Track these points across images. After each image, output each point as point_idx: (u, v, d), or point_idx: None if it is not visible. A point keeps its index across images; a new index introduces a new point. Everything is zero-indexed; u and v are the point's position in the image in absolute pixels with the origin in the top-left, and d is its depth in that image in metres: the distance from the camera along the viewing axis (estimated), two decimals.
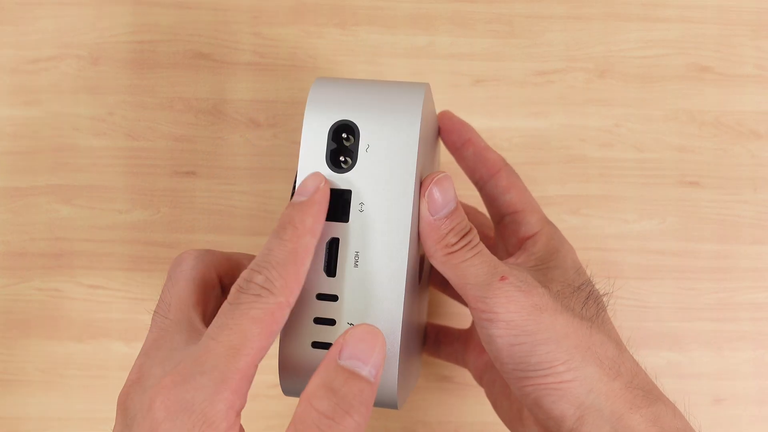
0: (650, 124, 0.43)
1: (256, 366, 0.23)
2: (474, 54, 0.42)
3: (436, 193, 0.27)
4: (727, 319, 0.42)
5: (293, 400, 0.41)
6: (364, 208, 0.26)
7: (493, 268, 0.27)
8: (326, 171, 0.26)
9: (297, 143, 0.42)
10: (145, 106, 0.42)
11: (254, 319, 0.23)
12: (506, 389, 0.33)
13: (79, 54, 0.42)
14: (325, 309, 0.26)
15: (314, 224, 0.25)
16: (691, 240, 0.42)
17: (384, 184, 0.26)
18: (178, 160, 0.42)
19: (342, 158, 0.26)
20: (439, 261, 0.27)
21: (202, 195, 0.42)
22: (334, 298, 0.26)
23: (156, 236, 0.41)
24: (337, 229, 0.26)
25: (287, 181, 0.42)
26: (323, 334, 0.26)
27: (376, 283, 0.26)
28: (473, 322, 0.34)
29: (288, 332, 0.26)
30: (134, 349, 0.41)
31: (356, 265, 0.26)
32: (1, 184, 0.41)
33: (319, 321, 0.26)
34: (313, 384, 0.22)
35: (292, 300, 0.24)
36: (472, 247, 0.27)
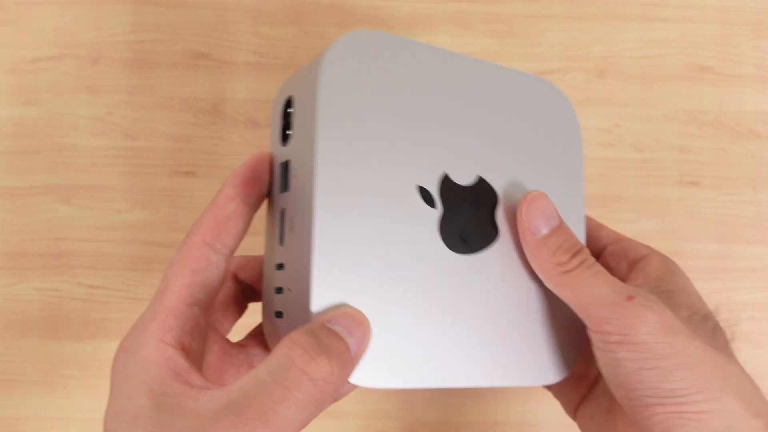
0: (650, 124, 0.43)
1: (189, 304, 0.24)
2: (473, 54, 0.42)
3: (531, 211, 0.27)
4: (727, 319, 0.42)
5: None
6: (296, 173, 0.26)
7: (617, 288, 0.25)
8: (279, 148, 0.27)
9: None
10: (145, 106, 0.42)
11: (174, 262, 0.25)
12: (609, 422, 0.29)
13: (78, 54, 0.42)
14: (278, 278, 0.26)
15: (235, 180, 0.26)
16: (691, 240, 0.42)
17: (303, 146, 0.25)
18: (178, 160, 0.42)
19: (287, 132, 0.27)
20: (555, 283, 0.26)
21: (202, 195, 0.42)
22: (281, 266, 0.26)
23: (155, 236, 0.41)
24: (284, 199, 0.26)
25: None
26: (278, 302, 0.26)
27: (303, 246, 0.25)
28: None
29: (263, 306, 0.27)
30: None
31: (292, 231, 0.25)
32: (1, 183, 0.41)
33: (276, 290, 0.26)
34: (298, 330, 0.22)
35: (207, 238, 0.25)
36: (590, 266, 0.26)
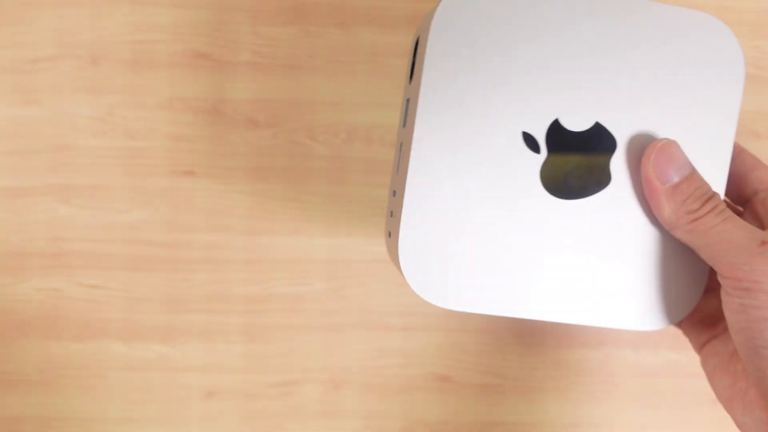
0: None
1: None
2: None
3: (661, 159, 0.27)
4: None
5: (292, 400, 0.41)
6: (411, 110, 0.27)
7: (750, 233, 0.25)
8: (406, 86, 0.29)
9: (296, 143, 0.42)
10: (144, 106, 0.42)
11: None
12: (731, 365, 0.29)
13: (78, 54, 0.42)
14: (391, 202, 0.29)
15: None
16: None
17: (416, 84, 0.27)
18: (177, 160, 0.42)
19: (412, 71, 0.29)
20: (684, 230, 0.26)
21: (202, 195, 0.42)
22: (394, 193, 0.29)
23: (155, 236, 0.41)
24: (402, 133, 0.29)
25: (286, 181, 0.42)
26: (389, 224, 0.29)
27: (403, 177, 0.27)
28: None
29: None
30: (133, 349, 0.41)
31: (403, 162, 0.28)
32: (0, 183, 0.41)
33: (390, 214, 0.29)
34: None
35: None
36: (720, 212, 0.26)
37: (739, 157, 0.30)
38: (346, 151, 0.42)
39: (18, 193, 0.41)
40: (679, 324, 0.32)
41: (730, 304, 0.26)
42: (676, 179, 0.26)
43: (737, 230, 0.25)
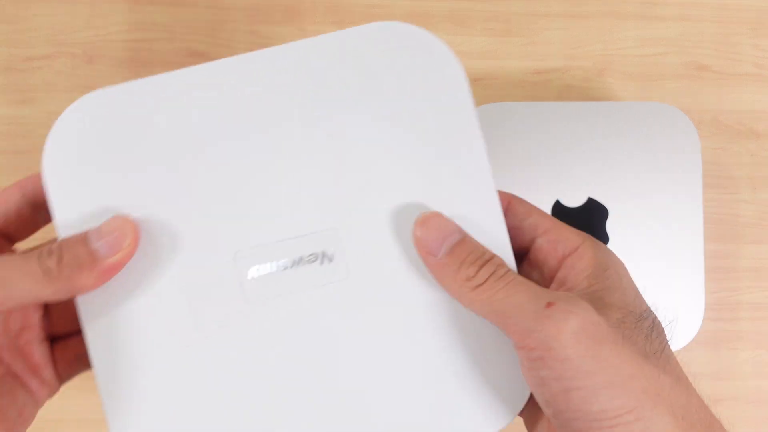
0: None
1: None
2: (472, 52, 0.42)
3: (425, 233, 0.25)
4: (727, 319, 0.42)
5: None
6: None
7: (535, 295, 0.23)
8: None
9: None
10: None
11: None
12: None
13: (73, 52, 0.41)
14: None
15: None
16: None
17: None
18: None
19: None
20: (468, 301, 0.24)
21: None
22: None
23: None
24: None
25: None
26: None
27: None
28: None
29: None
30: None
31: None
32: None
33: None
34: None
35: None
36: (501, 276, 0.24)
37: (509, 209, 0.27)
38: None
39: None
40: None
41: (530, 378, 0.23)
42: (445, 249, 0.24)
43: (521, 293, 0.23)
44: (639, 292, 0.25)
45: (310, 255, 0.24)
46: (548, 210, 0.35)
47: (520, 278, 0.24)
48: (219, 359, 0.24)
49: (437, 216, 0.25)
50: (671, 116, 0.38)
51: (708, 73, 0.43)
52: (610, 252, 0.26)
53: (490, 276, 0.24)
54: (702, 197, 0.37)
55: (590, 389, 0.22)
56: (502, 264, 0.24)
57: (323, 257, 0.24)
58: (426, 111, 0.25)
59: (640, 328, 0.24)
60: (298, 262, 0.24)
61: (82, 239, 0.23)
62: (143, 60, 0.41)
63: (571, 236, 0.26)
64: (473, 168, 0.25)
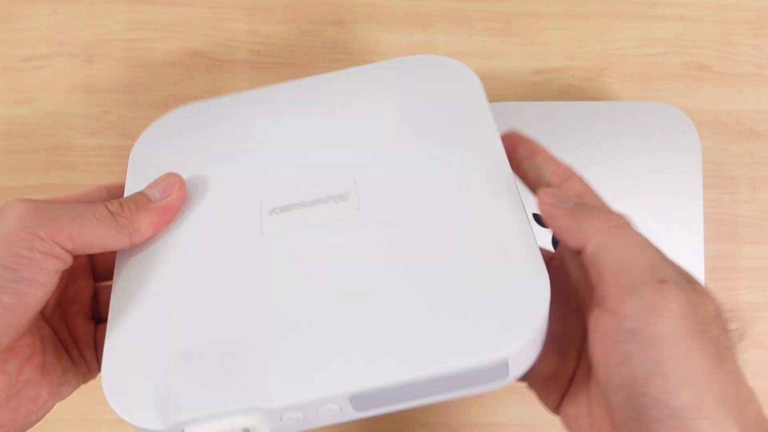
0: None
1: None
2: (471, 52, 0.42)
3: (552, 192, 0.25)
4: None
5: None
6: None
7: (653, 263, 0.22)
8: None
9: None
10: (140, 105, 0.41)
11: None
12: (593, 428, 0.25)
13: (73, 52, 0.41)
14: None
15: None
16: None
17: None
18: None
19: None
20: (584, 237, 0.23)
21: None
22: None
23: None
24: None
25: None
26: None
27: None
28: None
29: None
30: None
31: None
32: None
33: None
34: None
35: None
36: (634, 231, 0.23)
37: (565, 185, 0.26)
38: None
39: (12, 193, 0.41)
40: (529, 385, 0.27)
41: (612, 349, 0.22)
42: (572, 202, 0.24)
43: (641, 255, 0.22)
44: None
45: (325, 196, 0.26)
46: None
47: (647, 240, 0.23)
48: (230, 279, 0.25)
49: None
50: (671, 116, 0.38)
51: (708, 73, 0.43)
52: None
53: (622, 224, 0.23)
54: (702, 197, 0.37)
55: (674, 380, 0.21)
56: (630, 220, 0.23)
57: (337, 198, 0.26)
58: (447, 113, 0.28)
59: (725, 329, 0.22)
60: (315, 202, 0.26)
61: (140, 191, 0.27)
62: (143, 59, 0.41)
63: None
64: (490, 155, 0.26)
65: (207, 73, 0.42)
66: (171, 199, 0.27)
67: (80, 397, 0.40)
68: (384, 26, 0.42)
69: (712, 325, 0.22)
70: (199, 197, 0.28)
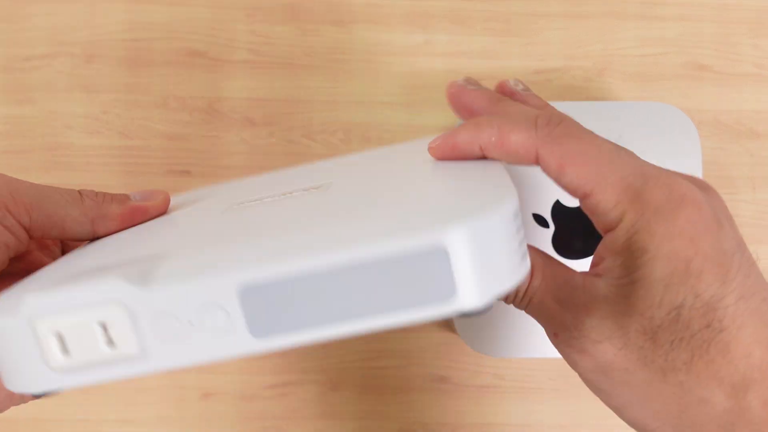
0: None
1: None
2: (471, 52, 0.42)
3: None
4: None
5: (289, 401, 0.41)
6: None
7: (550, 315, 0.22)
8: None
9: (293, 142, 0.41)
10: (140, 105, 0.41)
11: None
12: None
13: (72, 52, 0.41)
14: None
15: None
16: None
17: None
18: (173, 159, 0.41)
19: None
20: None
21: None
22: None
23: None
24: None
25: None
26: None
27: None
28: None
29: None
30: None
31: None
32: None
33: None
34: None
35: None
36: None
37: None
38: (343, 150, 0.41)
39: None
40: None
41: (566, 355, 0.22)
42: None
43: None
44: (676, 278, 0.20)
45: (297, 188, 0.24)
46: (548, 210, 0.35)
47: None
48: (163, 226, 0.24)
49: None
50: (671, 116, 0.38)
51: (708, 73, 0.43)
52: (660, 218, 0.20)
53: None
54: None
55: (614, 399, 0.21)
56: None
57: (309, 188, 0.24)
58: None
59: (660, 340, 0.20)
60: (285, 193, 0.24)
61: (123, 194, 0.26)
62: (143, 59, 0.41)
63: (609, 204, 0.21)
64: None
65: (207, 73, 0.41)
66: (149, 203, 0.26)
67: (80, 397, 0.40)
68: (384, 26, 0.42)
69: (649, 339, 0.20)
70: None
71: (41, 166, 0.41)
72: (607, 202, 0.21)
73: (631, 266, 0.20)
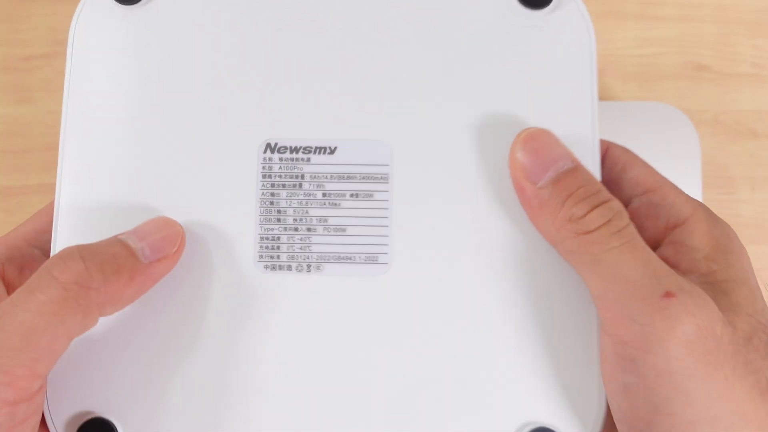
0: None
1: (30, 243, 0.23)
2: None
3: (526, 155, 0.19)
4: None
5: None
6: None
7: (654, 274, 0.17)
8: None
9: None
10: None
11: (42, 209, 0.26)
12: None
13: None
14: None
15: None
16: None
17: None
18: None
19: None
20: (566, 249, 0.19)
21: None
22: None
23: None
24: None
25: None
26: None
27: None
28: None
29: None
30: None
31: None
32: None
33: None
34: None
35: None
36: (619, 230, 0.18)
37: (606, 157, 0.22)
38: None
39: (11, 193, 0.41)
40: None
41: (609, 379, 0.18)
42: (551, 176, 0.19)
43: (639, 266, 0.17)
44: (761, 291, 0.19)
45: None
46: None
47: (642, 242, 0.18)
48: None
49: (547, 134, 0.20)
50: (671, 116, 0.38)
51: (707, 73, 0.43)
52: (730, 229, 0.20)
53: (604, 224, 0.18)
54: (701, 197, 0.37)
55: (687, 421, 0.16)
56: (621, 213, 0.18)
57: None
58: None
59: (761, 342, 0.17)
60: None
61: (119, 239, 0.20)
62: None
63: (679, 200, 0.20)
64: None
65: None
66: (166, 262, 0.19)
67: None
68: None
69: (748, 349, 0.17)
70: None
71: (41, 166, 0.41)
72: (676, 198, 0.20)
73: (715, 261, 0.19)
